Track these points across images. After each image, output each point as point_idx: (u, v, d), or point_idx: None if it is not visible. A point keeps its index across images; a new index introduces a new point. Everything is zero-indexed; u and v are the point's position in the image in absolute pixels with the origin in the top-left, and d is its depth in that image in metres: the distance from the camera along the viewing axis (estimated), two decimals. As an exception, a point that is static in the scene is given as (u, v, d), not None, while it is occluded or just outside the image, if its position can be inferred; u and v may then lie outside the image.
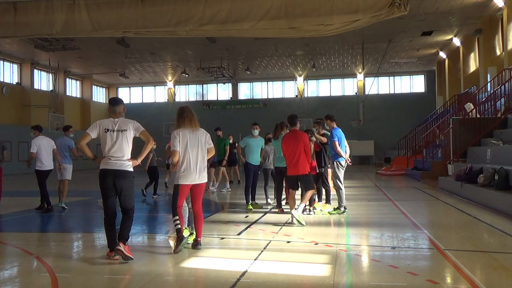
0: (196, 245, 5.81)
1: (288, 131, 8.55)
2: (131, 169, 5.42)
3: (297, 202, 7.97)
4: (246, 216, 8.63)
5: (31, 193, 14.89)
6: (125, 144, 5.35)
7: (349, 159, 8.99)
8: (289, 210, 8.85)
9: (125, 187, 5.34)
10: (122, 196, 5.36)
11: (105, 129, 5.34)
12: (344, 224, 7.70)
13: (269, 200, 10.25)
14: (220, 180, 14.18)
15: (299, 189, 8.11)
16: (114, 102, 5.58)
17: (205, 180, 5.88)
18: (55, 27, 9.62)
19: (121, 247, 5.19)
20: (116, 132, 5.33)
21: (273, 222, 7.99)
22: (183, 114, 5.80)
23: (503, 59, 20.05)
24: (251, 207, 9.46)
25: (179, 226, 5.71)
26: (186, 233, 5.92)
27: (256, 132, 9.87)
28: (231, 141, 15.15)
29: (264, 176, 10.32)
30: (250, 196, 9.65)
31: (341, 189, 8.62)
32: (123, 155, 5.33)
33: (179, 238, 5.67)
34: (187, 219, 6.20)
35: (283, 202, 9.42)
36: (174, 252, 5.61)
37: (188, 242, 6.01)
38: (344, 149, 8.78)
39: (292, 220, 7.61)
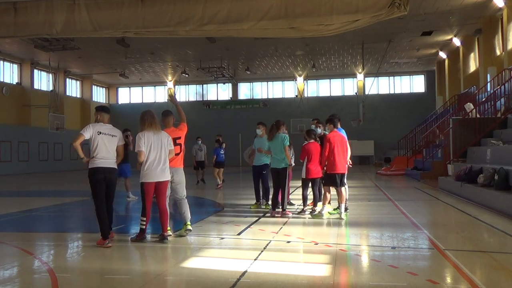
0: (162, 239, 6.22)
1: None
2: (116, 166, 6.40)
3: (316, 204, 7.97)
4: (246, 216, 8.63)
5: (31, 193, 14.89)
6: (113, 146, 6.27)
7: (350, 161, 8.99)
8: (286, 210, 8.91)
9: (113, 180, 6.33)
10: (110, 188, 6.30)
11: (98, 132, 6.15)
12: (344, 224, 7.70)
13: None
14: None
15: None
16: (107, 110, 6.54)
17: (167, 178, 6.36)
18: (55, 27, 9.63)
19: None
20: (107, 136, 6.22)
21: (273, 222, 7.98)
22: (144, 118, 6.30)
23: (503, 59, 20.06)
24: (254, 206, 9.58)
25: (144, 226, 6.27)
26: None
27: (260, 131, 9.74)
28: (200, 142, 16.12)
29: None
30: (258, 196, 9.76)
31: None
32: (111, 155, 6.26)
33: (141, 237, 6.25)
34: (189, 211, 6.75)
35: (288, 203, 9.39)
36: (130, 240, 6.37)
37: (182, 235, 6.55)
38: None
39: (321, 212, 8.31)
